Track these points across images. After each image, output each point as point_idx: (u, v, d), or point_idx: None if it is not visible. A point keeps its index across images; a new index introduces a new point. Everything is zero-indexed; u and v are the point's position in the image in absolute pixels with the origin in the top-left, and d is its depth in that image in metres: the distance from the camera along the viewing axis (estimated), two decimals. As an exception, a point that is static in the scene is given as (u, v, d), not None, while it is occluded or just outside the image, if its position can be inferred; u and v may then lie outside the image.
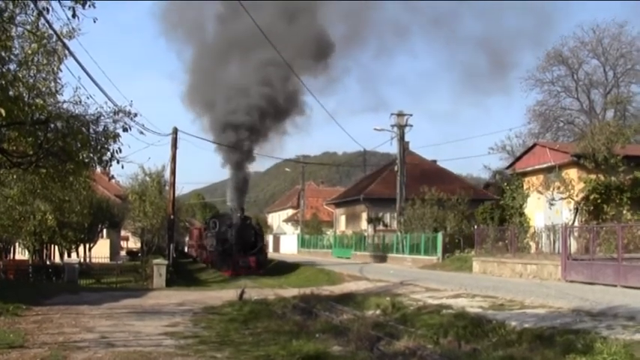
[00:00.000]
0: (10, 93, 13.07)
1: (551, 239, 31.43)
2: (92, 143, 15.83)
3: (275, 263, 45.05)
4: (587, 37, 55.40)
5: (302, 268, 40.20)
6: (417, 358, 12.01)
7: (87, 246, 49.42)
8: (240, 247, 39.42)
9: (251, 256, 39.11)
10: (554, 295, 19.42)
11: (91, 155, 16.18)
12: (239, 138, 40.39)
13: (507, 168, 44.26)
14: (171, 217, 38.45)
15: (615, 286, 22.16)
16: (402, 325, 15.78)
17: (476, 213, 44.03)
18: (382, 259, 45.83)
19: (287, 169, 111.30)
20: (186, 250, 75.77)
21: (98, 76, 23.77)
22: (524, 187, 38.45)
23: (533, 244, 33.02)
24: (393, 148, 50.58)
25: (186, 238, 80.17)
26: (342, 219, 66.89)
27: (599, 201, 32.29)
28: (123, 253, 66.65)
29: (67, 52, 16.28)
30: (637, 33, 60.06)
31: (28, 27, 14.42)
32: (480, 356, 11.66)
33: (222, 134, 41.50)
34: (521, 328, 13.84)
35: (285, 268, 41.80)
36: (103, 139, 16.06)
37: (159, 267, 30.48)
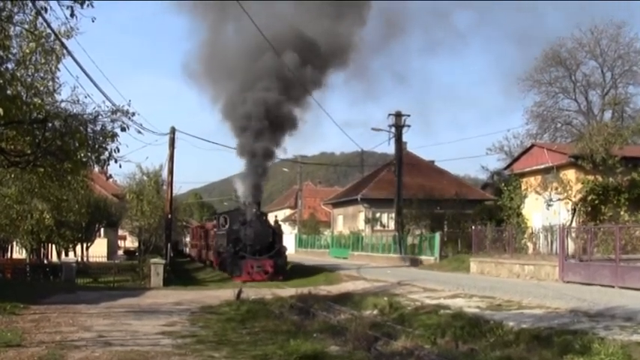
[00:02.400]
0: (8, 92, 13.04)
1: (549, 240, 31.49)
2: (90, 142, 15.81)
3: (292, 267, 38.30)
4: (585, 38, 55.37)
5: (324, 274, 35.28)
6: (414, 358, 12.02)
7: (84, 245, 49.41)
8: (256, 249, 33.47)
9: (268, 259, 33.14)
10: (551, 295, 19.45)
11: (89, 154, 16.15)
12: (262, 116, 33.50)
13: (505, 169, 44.28)
14: (169, 216, 38.42)
15: (613, 287, 22.20)
16: (399, 325, 15.81)
17: (473, 213, 44.09)
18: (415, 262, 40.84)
19: (284, 169, 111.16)
20: (186, 250, 73.00)
21: (96, 75, 23.76)
22: (522, 187, 38.47)
23: (530, 245, 33.07)
24: (390, 149, 50.59)
25: (186, 238, 77.41)
26: (340, 219, 66.90)
27: (596, 202, 32.35)
28: (120, 252, 66.65)
29: (65, 51, 16.26)
30: (635, 34, 60.05)
31: (26, 26, 14.41)
32: (478, 356, 11.68)
33: (243, 108, 34.42)
34: (518, 328, 13.86)
35: (304, 272, 36.57)
36: (100, 138, 16.04)
37: (156, 266, 30.46)
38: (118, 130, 16.19)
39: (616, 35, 54.61)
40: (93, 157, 16.35)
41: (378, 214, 57.50)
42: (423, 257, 40.35)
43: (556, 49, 56.20)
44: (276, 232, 35.45)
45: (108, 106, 16.52)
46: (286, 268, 35.17)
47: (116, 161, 16.57)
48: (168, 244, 37.67)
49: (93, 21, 12.52)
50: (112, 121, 16.20)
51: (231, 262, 34.00)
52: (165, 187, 41.38)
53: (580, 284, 23.68)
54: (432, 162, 64.65)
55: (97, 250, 49.37)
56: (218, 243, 40.52)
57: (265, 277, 32.11)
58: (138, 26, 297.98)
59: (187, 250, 71.85)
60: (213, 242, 43.28)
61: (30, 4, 13.15)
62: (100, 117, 16.12)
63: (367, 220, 57.42)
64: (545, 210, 34.88)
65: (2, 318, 16.56)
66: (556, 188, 33.27)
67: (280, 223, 41.56)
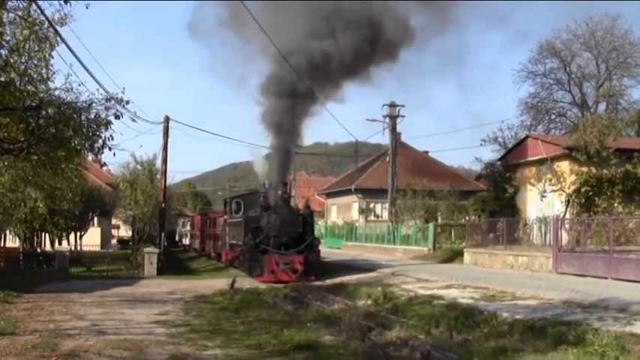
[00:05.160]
0: (2, 78, 13.02)
1: (543, 231, 31.53)
2: (84, 130, 15.79)
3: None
4: (580, 30, 55.43)
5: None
6: (408, 348, 12.01)
7: (78, 234, 49.31)
8: (282, 241, 26.92)
9: (297, 254, 26.53)
10: (545, 286, 19.46)
11: (83, 142, 16.13)
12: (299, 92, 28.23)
13: (499, 160, 44.34)
14: (163, 205, 38.36)
15: (606, 278, 22.22)
16: (393, 315, 15.81)
17: (467, 204, 44.15)
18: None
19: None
20: (185, 242, 70.33)
21: (90, 63, 23.66)
22: (516, 179, 38.54)
23: (524, 236, 33.11)
24: (384, 139, 50.54)
25: (184, 227, 74.99)
26: (334, 209, 66.94)
27: (590, 193, 32.42)
28: (114, 241, 66.49)
29: (58, 38, 16.19)
30: (629, 26, 60.04)
31: (20, 13, 14.36)
32: (472, 347, 11.67)
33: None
34: (512, 319, 13.86)
35: (334, 271, 29.21)
36: (94, 126, 16.01)
37: (150, 255, 30.44)
38: (112, 118, 16.18)
39: (611, 27, 54.70)
40: (87, 145, 16.33)
41: (371, 205, 57.64)
42: (416, 248, 40.29)
43: (551, 40, 56.29)
44: (307, 220, 28.19)
45: (102, 94, 16.48)
46: (318, 266, 27.98)
47: (110, 149, 16.58)
48: (162, 234, 37.61)
49: (87, 8, 12.48)
50: (106, 109, 16.18)
51: (250, 258, 27.18)
52: (158, 177, 41.34)
53: (574, 275, 23.70)
54: (426, 152, 64.76)
55: (91, 239, 49.27)
56: (230, 234, 33.44)
57: (294, 277, 25.50)
58: (132, 14, 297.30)
59: (186, 241, 69.45)
60: (223, 233, 36.14)
61: (24, -9, 13.10)
62: (93, 105, 16.09)
63: (361, 211, 57.52)
64: (539, 201, 34.96)
65: (-5, 306, 16.54)
66: (550, 180, 33.32)
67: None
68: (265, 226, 27.18)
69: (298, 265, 26.08)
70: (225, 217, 35.32)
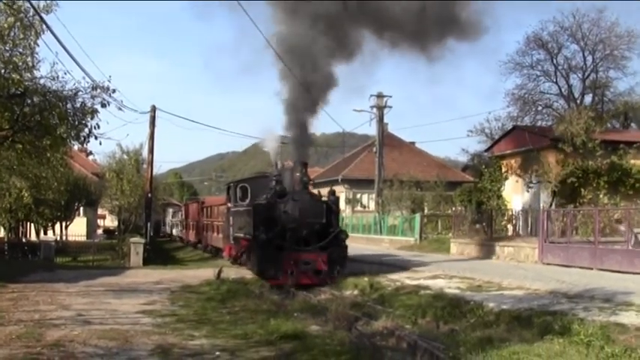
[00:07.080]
0: (-14, 66, 12.89)
1: (529, 222, 31.64)
2: (69, 119, 15.69)
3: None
4: (566, 22, 55.44)
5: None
6: (395, 338, 12.03)
7: (63, 224, 49.12)
8: (301, 235, 21.68)
9: (320, 251, 21.42)
10: (531, 277, 19.53)
11: (69, 130, 16.04)
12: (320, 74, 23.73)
13: (486, 151, 44.38)
14: (149, 195, 38.22)
15: (591, 269, 22.34)
16: (380, 305, 15.81)
17: (454, 195, 44.24)
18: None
19: (265, 149, 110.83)
20: (175, 232, 67.41)
21: (76, 51, 23.43)
22: (502, 170, 38.61)
23: (510, 227, 33.23)
24: (372, 130, 50.59)
25: (174, 217, 71.11)
26: (321, 200, 66.83)
27: (576, 185, 32.52)
28: (100, 231, 66.25)
29: (44, 26, 16.04)
30: (616, 19, 60.10)
31: (5, 0, 14.21)
32: (458, 337, 11.68)
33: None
34: (498, 309, 13.89)
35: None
36: (80, 114, 15.92)
37: (136, 245, 30.38)
38: (98, 107, 16.10)
39: (597, 19, 54.72)
40: (72, 134, 16.24)
41: (358, 195, 57.68)
42: (402, 238, 40.32)
43: (538, 32, 56.31)
44: (332, 210, 23.00)
45: (88, 83, 16.38)
46: (345, 265, 22.16)
47: (96, 138, 16.51)
48: (149, 224, 37.51)
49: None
50: (92, 97, 16.09)
51: (263, 256, 21.48)
52: (145, 166, 41.21)
53: (559, 266, 23.81)
54: (413, 143, 64.82)
55: (77, 229, 49.12)
56: (235, 225, 27.43)
57: (316, 279, 20.90)
58: (119, 2, 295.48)
59: (177, 231, 65.97)
60: (227, 224, 30.40)
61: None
62: (79, 93, 15.99)
63: (348, 201, 57.51)
64: (525, 192, 35.04)
65: (-20, 296, 16.42)
66: (536, 171, 33.42)
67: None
68: (281, 217, 21.92)
69: (321, 265, 21.15)
70: (229, 204, 29.53)
